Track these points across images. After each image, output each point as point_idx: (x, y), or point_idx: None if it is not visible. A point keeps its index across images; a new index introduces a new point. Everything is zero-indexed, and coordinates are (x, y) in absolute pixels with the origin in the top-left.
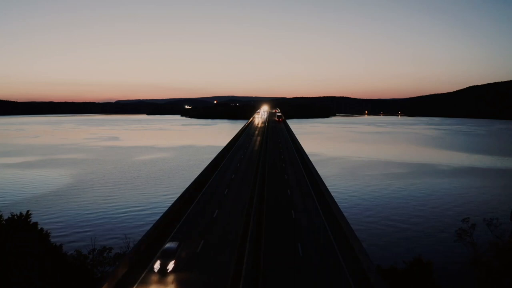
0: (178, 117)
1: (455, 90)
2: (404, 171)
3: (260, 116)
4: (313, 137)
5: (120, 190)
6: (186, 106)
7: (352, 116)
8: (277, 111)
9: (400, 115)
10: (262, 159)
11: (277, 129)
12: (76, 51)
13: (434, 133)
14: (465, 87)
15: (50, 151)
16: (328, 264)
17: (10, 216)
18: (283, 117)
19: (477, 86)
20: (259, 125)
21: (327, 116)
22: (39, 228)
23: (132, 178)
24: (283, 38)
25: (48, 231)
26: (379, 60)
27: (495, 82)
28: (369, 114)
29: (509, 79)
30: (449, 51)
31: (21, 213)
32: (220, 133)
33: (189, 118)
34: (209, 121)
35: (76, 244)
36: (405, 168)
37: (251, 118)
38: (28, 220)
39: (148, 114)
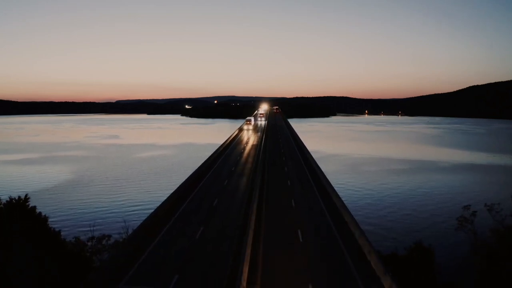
0: (178, 116)
1: (455, 90)
2: (405, 167)
3: (253, 127)
4: (313, 135)
5: (121, 183)
6: (187, 106)
7: (353, 115)
8: (276, 108)
9: (401, 115)
10: (261, 155)
11: (277, 127)
12: (76, 51)
13: (434, 132)
14: (465, 87)
15: (50, 148)
16: (329, 249)
17: (8, 199)
18: (280, 110)
19: (477, 86)
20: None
21: (327, 116)
22: (38, 212)
23: (133, 173)
24: (283, 38)
25: (46, 215)
26: (379, 60)
27: (495, 82)
28: (369, 113)
29: (509, 79)
30: (449, 51)
31: (19, 196)
32: (220, 132)
33: (190, 118)
34: (209, 120)
35: (75, 229)
36: (405, 164)
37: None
38: (27, 204)
39: (149, 114)
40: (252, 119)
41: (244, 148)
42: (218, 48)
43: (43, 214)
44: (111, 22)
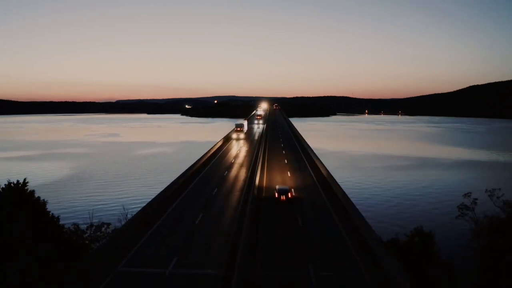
0: (178, 116)
1: (455, 89)
2: (405, 163)
3: (245, 135)
4: (314, 134)
5: (120, 178)
6: (187, 106)
7: (353, 115)
8: (275, 105)
9: (401, 115)
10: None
11: (278, 129)
12: (76, 51)
13: (433, 130)
14: (465, 87)
15: (50, 146)
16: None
17: (6, 183)
18: (280, 107)
19: (477, 85)
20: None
21: (328, 115)
22: (36, 196)
23: (133, 168)
24: (283, 38)
25: (45, 199)
26: (379, 60)
27: (495, 82)
28: (369, 113)
29: (509, 79)
30: (449, 51)
31: (17, 180)
32: (220, 130)
33: (190, 117)
34: (209, 119)
35: (74, 218)
36: (406, 160)
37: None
38: (25, 188)
39: (149, 113)
40: (245, 124)
41: (220, 187)
42: (218, 48)
43: (41, 199)
44: (111, 22)
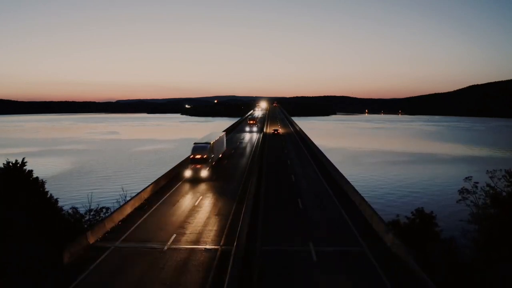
0: (178, 115)
1: (455, 89)
2: (406, 158)
3: (207, 173)
4: (314, 132)
5: (120, 173)
6: (187, 106)
7: (353, 114)
8: (275, 103)
9: (401, 114)
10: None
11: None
12: (76, 51)
13: (432, 129)
14: (465, 87)
15: (49, 143)
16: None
17: (5, 163)
18: (279, 105)
19: (477, 85)
20: None
21: (328, 115)
22: (34, 176)
23: (132, 163)
24: (283, 38)
25: (44, 180)
26: (379, 60)
27: (495, 81)
28: (369, 112)
29: (509, 78)
30: (449, 51)
31: (16, 160)
32: (219, 129)
33: (189, 116)
34: (209, 118)
35: (72, 202)
36: (406, 155)
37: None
38: (24, 168)
39: (149, 113)
40: (219, 139)
41: None
42: (218, 49)
43: (40, 179)
44: (111, 23)
